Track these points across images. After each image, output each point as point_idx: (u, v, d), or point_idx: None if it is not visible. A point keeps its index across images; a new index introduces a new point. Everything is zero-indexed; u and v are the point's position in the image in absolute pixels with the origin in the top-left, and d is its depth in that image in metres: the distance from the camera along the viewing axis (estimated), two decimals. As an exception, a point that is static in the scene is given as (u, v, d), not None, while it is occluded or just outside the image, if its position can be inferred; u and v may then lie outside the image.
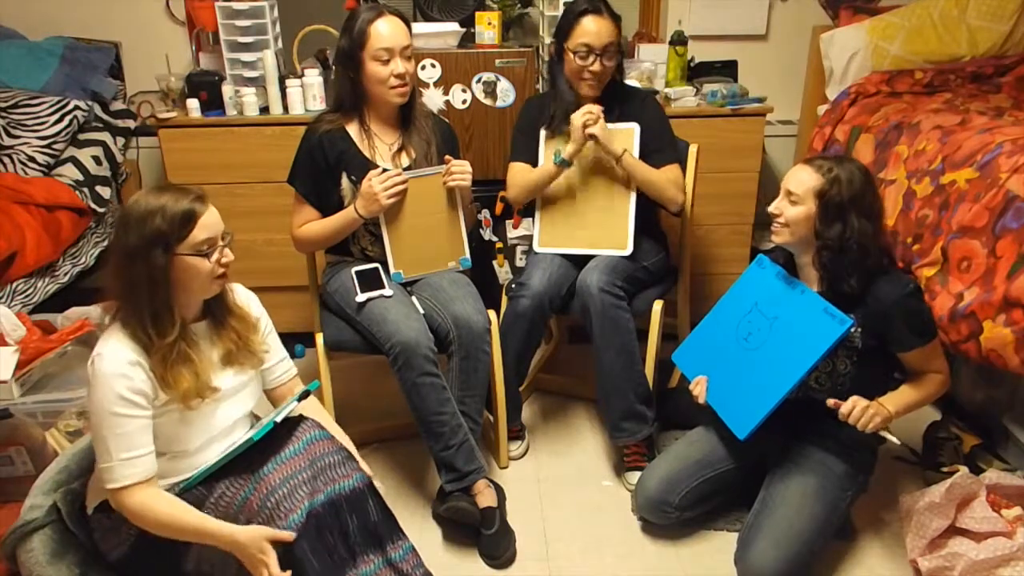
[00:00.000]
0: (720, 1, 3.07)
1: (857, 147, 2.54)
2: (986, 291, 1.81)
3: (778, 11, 3.13)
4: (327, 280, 2.12)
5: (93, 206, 2.70)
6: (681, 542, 1.92)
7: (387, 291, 1.98)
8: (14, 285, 2.39)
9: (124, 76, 3.05)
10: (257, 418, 1.64)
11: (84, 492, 1.55)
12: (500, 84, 2.54)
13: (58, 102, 2.70)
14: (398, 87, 1.95)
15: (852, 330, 1.64)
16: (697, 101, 2.69)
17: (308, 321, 2.23)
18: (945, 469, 2.05)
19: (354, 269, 2.01)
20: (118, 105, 2.97)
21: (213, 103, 2.56)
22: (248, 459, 1.45)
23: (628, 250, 2.14)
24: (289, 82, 2.54)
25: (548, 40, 2.26)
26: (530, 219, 2.42)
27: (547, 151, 2.17)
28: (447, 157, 2.01)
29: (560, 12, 2.21)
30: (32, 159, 2.64)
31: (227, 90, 2.55)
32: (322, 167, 2.02)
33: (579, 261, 2.17)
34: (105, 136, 2.84)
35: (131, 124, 2.99)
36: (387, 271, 2.04)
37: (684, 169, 2.28)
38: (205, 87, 2.55)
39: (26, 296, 2.42)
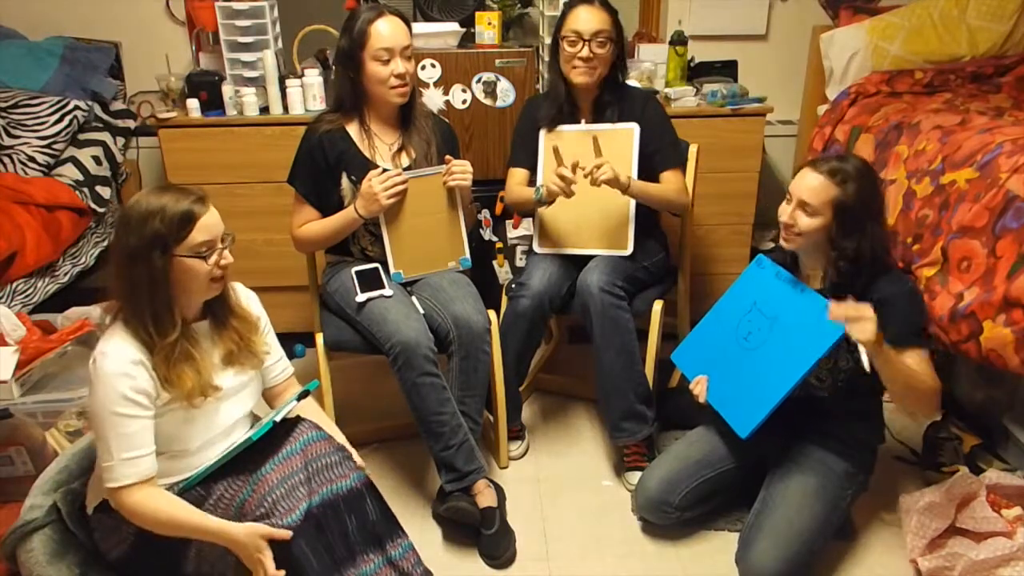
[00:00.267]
0: (720, 1, 3.07)
1: (857, 147, 2.54)
2: (986, 291, 1.81)
3: (778, 11, 3.13)
4: (327, 280, 2.12)
5: (93, 206, 2.70)
6: (681, 542, 1.92)
7: (387, 291, 1.98)
8: (14, 285, 2.39)
9: (124, 76, 3.05)
10: (257, 418, 1.64)
11: (84, 492, 1.55)
12: (500, 84, 2.54)
13: (58, 102, 2.70)
14: (398, 87, 1.95)
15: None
16: (697, 101, 2.69)
17: (308, 321, 2.23)
18: (945, 469, 2.05)
19: (354, 269, 2.01)
20: (118, 105, 2.97)
21: (213, 103, 2.56)
22: (246, 460, 1.46)
23: (628, 250, 2.14)
24: (289, 82, 2.54)
25: (548, 40, 2.27)
26: (530, 219, 2.42)
27: (547, 152, 2.17)
28: (447, 157, 2.01)
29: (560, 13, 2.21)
30: (32, 159, 2.64)
31: (227, 90, 2.55)
32: (322, 167, 2.02)
33: (579, 261, 2.17)
34: (105, 136, 2.84)
35: (131, 124, 2.99)
36: (387, 271, 2.04)
37: (685, 169, 2.28)
38: (205, 87, 2.55)
39: (26, 296, 2.42)
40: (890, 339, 1.57)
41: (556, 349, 2.83)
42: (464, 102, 2.56)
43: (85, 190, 2.68)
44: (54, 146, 2.69)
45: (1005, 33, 2.78)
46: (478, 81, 2.53)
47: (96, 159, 2.76)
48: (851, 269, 1.64)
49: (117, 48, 3.00)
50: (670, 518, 1.88)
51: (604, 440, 2.31)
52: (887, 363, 1.56)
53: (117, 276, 1.40)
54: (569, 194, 2.00)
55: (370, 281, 2.00)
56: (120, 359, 1.36)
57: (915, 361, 1.62)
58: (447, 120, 2.25)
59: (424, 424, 1.90)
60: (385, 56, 1.91)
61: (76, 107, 2.72)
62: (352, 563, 1.44)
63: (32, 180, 2.58)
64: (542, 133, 2.20)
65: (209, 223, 1.41)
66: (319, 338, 2.09)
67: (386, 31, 1.91)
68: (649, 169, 2.16)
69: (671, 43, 2.71)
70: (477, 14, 2.61)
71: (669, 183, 2.18)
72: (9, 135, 2.65)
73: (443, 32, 2.55)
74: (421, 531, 1.95)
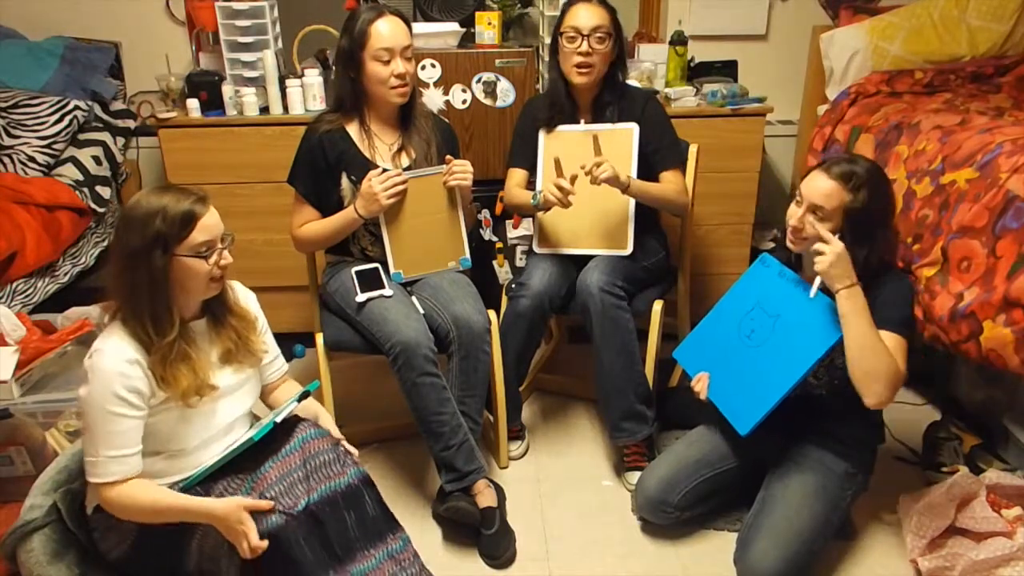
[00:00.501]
0: (720, 1, 3.07)
1: (857, 147, 2.54)
2: (986, 291, 1.81)
3: (778, 11, 3.13)
4: (327, 280, 2.12)
5: (93, 206, 2.70)
6: (681, 542, 1.92)
7: (387, 291, 1.98)
8: (14, 285, 2.39)
9: (124, 76, 3.05)
10: (257, 417, 1.65)
11: (84, 492, 1.55)
12: (500, 84, 2.54)
13: (58, 102, 2.70)
14: (398, 87, 1.95)
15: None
16: (697, 101, 2.69)
17: (308, 321, 2.23)
18: (945, 469, 2.05)
19: (354, 269, 2.01)
20: (118, 105, 2.97)
21: (213, 103, 2.56)
22: (245, 459, 1.46)
23: (628, 250, 2.14)
24: (289, 82, 2.54)
25: (548, 40, 2.27)
26: (530, 219, 2.42)
27: (547, 160, 2.17)
28: (448, 157, 2.01)
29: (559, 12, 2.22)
30: (32, 159, 2.64)
31: (227, 90, 2.55)
32: (322, 167, 2.02)
33: (579, 261, 2.17)
34: (105, 136, 2.84)
35: (131, 124, 2.99)
36: (387, 271, 2.04)
37: (685, 169, 2.28)
38: (205, 87, 2.55)
39: (26, 296, 2.42)
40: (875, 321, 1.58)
41: (556, 349, 2.83)
42: (464, 102, 2.56)
43: (85, 190, 2.68)
44: (54, 146, 2.69)
45: (1005, 33, 2.78)
46: (478, 81, 2.53)
47: (96, 159, 2.76)
48: (857, 273, 1.63)
49: (117, 48, 2.99)
50: (670, 518, 1.88)
51: (604, 440, 2.31)
52: (855, 312, 1.55)
53: (117, 275, 1.40)
54: (566, 205, 2.00)
55: (370, 281, 2.00)
56: (116, 357, 1.37)
57: (891, 343, 1.60)
58: (447, 120, 2.25)
59: (424, 424, 1.90)
60: (385, 56, 1.91)
61: (76, 107, 2.72)
62: (351, 559, 1.45)
63: (32, 180, 2.58)
64: (541, 134, 2.20)
65: (210, 223, 1.41)
66: (319, 338, 2.09)
67: (386, 31, 1.91)
68: (649, 169, 2.16)
69: (671, 43, 2.71)
70: (477, 14, 2.61)
71: (669, 183, 2.18)
72: (9, 135, 2.65)
73: (443, 32, 2.55)
74: (421, 531, 1.95)
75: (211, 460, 1.47)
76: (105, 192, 2.77)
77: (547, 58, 2.30)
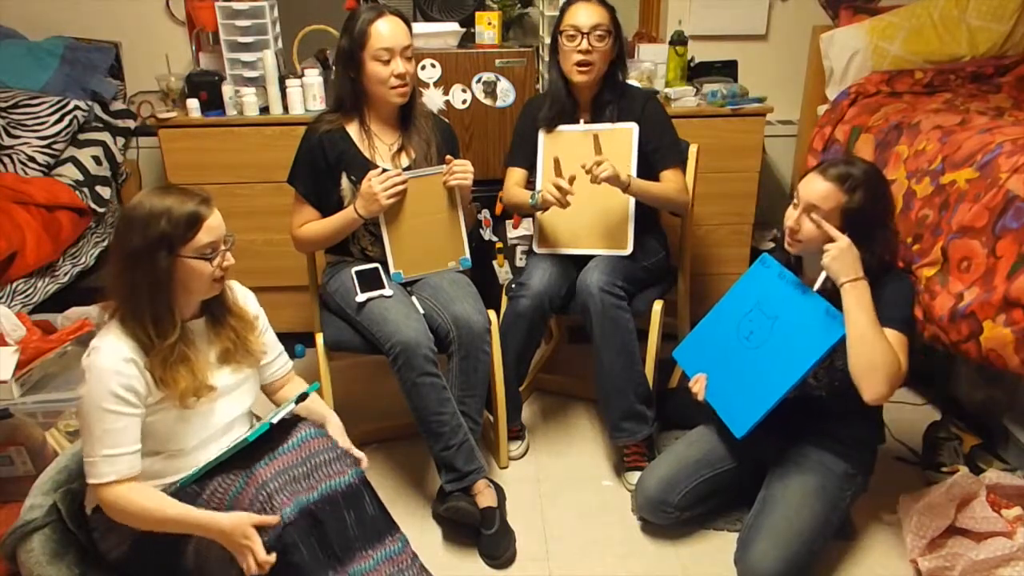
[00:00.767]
0: (720, 1, 3.07)
1: (857, 147, 2.54)
2: (986, 291, 1.81)
3: (778, 11, 3.13)
4: (327, 280, 2.12)
5: (93, 206, 2.70)
6: (681, 542, 1.92)
7: (387, 291, 1.98)
8: (14, 285, 2.39)
9: (124, 76, 3.05)
10: (257, 418, 1.65)
11: (84, 492, 1.55)
12: (500, 84, 2.54)
13: (58, 102, 2.70)
14: (398, 87, 1.95)
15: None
16: (697, 101, 2.69)
17: (308, 321, 2.23)
18: (945, 469, 2.05)
19: (354, 269, 2.01)
20: (118, 105, 2.97)
21: (213, 103, 2.56)
22: (240, 456, 1.45)
23: (628, 250, 2.14)
24: (289, 82, 2.54)
25: (548, 40, 2.27)
26: (530, 219, 2.42)
27: (547, 160, 2.17)
28: (448, 157, 2.01)
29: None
30: (32, 159, 2.64)
31: (227, 90, 2.55)
32: (322, 167, 2.02)
33: (579, 261, 2.17)
34: (105, 136, 2.84)
35: (131, 124, 2.99)
36: (387, 271, 2.04)
37: (685, 168, 2.28)
38: (205, 87, 2.55)
39: (26, 296, 2.42)
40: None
41: (556, 349, 2.83)
42: (464, 102, 2.56)
43: (85, 190, 2.68)
44: (54, 146, 2.69)
45: (1005, 33, 2.78)
46: (478, 81, 2.53)
47: (96, 159, 2.76)
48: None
49: (117, 48, 2.99)
50: (670, 518, 1.88)
51: (604, 440, 2.31)
52: (858, 306, 1.55)
53: (117, 276, 1.40)
54: (564, 205, 2.00)
55: (370, 281, 2.00)
56: (112, 355, 1.37)
57: (892, 340, 1.60)
58: (447, 120, 2.25)
59: (424, 424, 1.90)
60: (385, 56, 1.91)
61: (76, 107, 2.72)
62: (350, 559, 1.44)
63: (32, 180, 2.58)
64: (541, 133, 2.20)
65: (214, 225, 1.41)
66: (319, 338, 2.09)
67: (386, 31, 1.91)
68: (649, 168, 2.16)
69: (671, 43, 2.71)
70: (477, 14, 2.61)
71: (669, 182, 2.18)
72: (9, 135, 2.65)
73: (443, 32, 2.55)
74: (421, 531, 1.95)
75: (206, 460, 1.47)
76: (105, 192, 2.77)
77: (547, 58, 2.30)
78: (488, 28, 2.60)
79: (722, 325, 1.87)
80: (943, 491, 1.78)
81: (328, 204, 2.04)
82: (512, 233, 2.62)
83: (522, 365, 2.23)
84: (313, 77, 2.56)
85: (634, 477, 2.06)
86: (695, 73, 2.85)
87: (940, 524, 1.76)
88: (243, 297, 1.62)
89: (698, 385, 1.85)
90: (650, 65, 2.73)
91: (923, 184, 2.12)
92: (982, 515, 1.74)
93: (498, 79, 2.53)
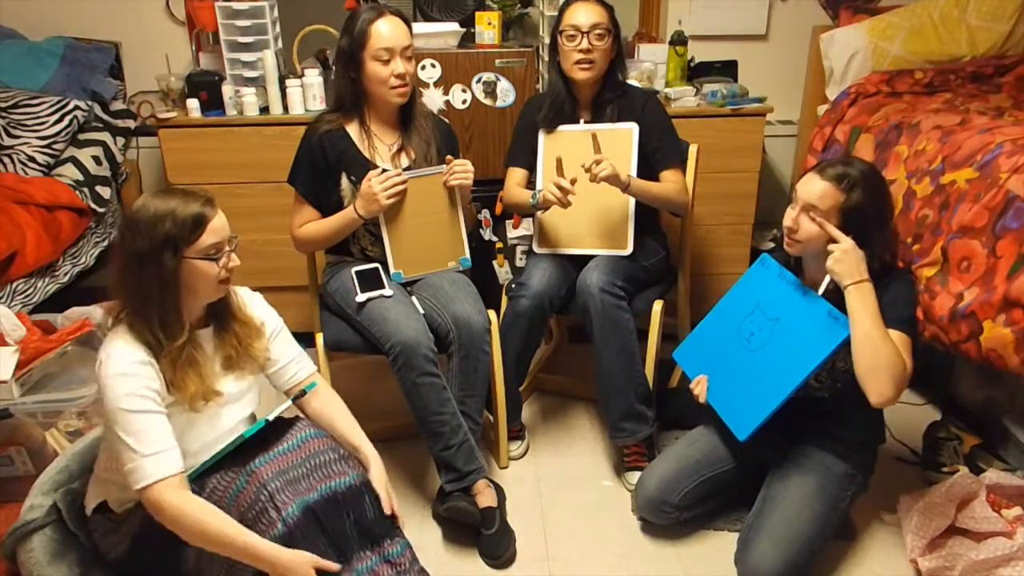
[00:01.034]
0: (720, 1, 3.07)
1: (857, 147, 2.54)
2: (986, 291, 1.81)
3: (778, 11, 3.13)
4: (327, 280, 2.13)
5: (93, 206, 2.70)
6: (681, 542, 1.92)
7: (387, 291, 1.98)
8: (14, 285, 2.39)
9: (124, 76, 3.05)
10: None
11: (84, 492, 1.55)
12: (500, 84, 2.54)
13: (58, 102, 2.70)
14: (398, 87, 1.95)
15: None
16: (697, 101, 2.69)
17: (308, 321, 2.23)
18: (945, 469, 2.05)
19: (354, 269, 2.01)
20: (118, 105, 2.97)
21: (213, 103, 2.56)
22: (239, 455, 1.45)
23: (628, 250, 2.14)
24: (289, 82, 2.54)
25: (548, 40, 2.27)
26: (530, 219, 2.42)
27: (548, 159, 2.17)
28: (448, 157, 2.01)
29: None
30: (32, 159, 2.64)
31: (227, 90, 2.55)
32: (322, 167, 2.02)
33: (579, 261, 2.17)
34: (105, 136, 2.84)
35: (131, 124, 2.99)
36: (387, 271, 2.04)
37: (685, 168, 2.28)
38: (205, 87, 2.55)
39: (26, 296, 2.42)
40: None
41: (556, 349, 2.83)
42: (464, 102, 2.56)
43: (85, 190, 2.68)
44: (54, 146, 2.69)
45: (1005, 33, 2.78)
46: (478, 81, 2.53)
47: (96, 159, 2.76)
48: None
49: (117, 48, 3.00)
50: (670, 518, 1.88)
51: (604, 440, 2.31)
52: (863, 308, 1.55)
53: (123, 280, 1.39)
54: (565, 205, 2.00)
55: (370, 281, 2.00)
56: (127, 360, 1.36)
57: (896, 341, 1.59)
58: (447, 120, 2.25)
59: (424, 424, 1.90)
60: (385, 56, 1.91)
61: (76, 107, 2.72)
62: (349, 560, 1.44)
63: (32, 180, 2.58)
64: (541, 133, 2.20)
65: (218, 225, 1.41)
66: (319, 338, 2.09)
67: (386, 31, 1.91)
68: (649, 168, 2.16)
69: (671, 43, 2.71)
70: (477, 14, 2.61)
71: (669, 182, 2.18)
72: (9, 135, 2.65)
73: (443, 32, 2.55)
74: (421, 531, 1.95)
75: (204, 457, 1.47)
76: (105, 192, 2.77)
77: (547, 58, 2.30)
78: (488, 28, 2.60)
79: (722, 326, 1.87)
80: (943, 491, 1.78)
81: (328, 204, 2.04)
82: (512, 233, 2.62)
83: (522, 365, 2.23)
84: (313, 77, 2.56)
85: (634, 477, 2.06)
86: (695, 73, 2.85)
87: (940, 524, 1.76)
88: (249, 302, 1.61)
89: (699, 387, 1.84)
90: (650, 65, 2.73)
91: (923, 184, 2.12)
92: (982, 515, 1.73)
93: (498, 79, 2.53)
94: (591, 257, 2.14)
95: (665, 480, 1.87)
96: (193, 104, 2.54)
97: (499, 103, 2.56)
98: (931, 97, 2.65)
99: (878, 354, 1.55)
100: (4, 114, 2.66)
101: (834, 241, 1.60)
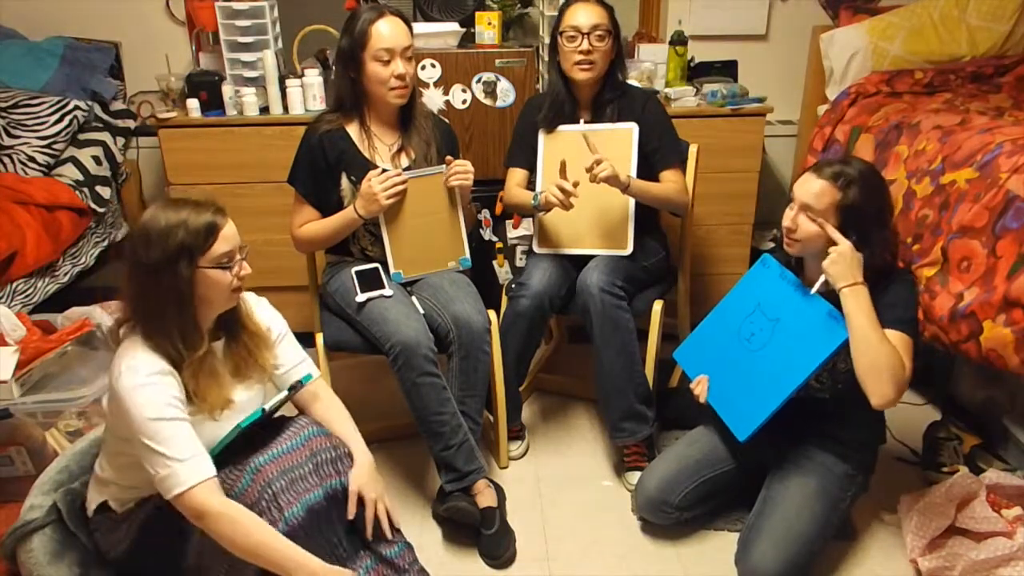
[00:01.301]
0: (720, 1, 3.07)
1: (857, 147, 2.54)
2: (986, 291, 1.81)
3: (778, 11, 3.13)
4: (327, 280, 2.12)
5: (93, 206, 2.70)
6: (681, 542, 1.92)
7: (387, 291, 1.98)
8: (14, 285, 2.39)
9: (124, 76, 3.05)
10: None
11: (84, 492, 1.55)
12: (500, 84, 2.54)
13: (58, 102, 2.70)
14: (397, 88, 1.95)
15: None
16: (697, 101, 2.69)
17: (308, 321, 2.23)
18: (945, 469, 2.05)
19: (354, 269, 2.01)
20: (118, 105, 2.97)
21: (213, 103, 2.56)
22: (242, 452, 1.45)
23: (628, 250, 2.14)
24: (289, 82, 2.54)
25: (548, 40, 2.27)
26: (530, 219, 2.42)
27: (546, 153, 2.18)
28: (448, 157, 2.01)
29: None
30: (32, 159, 2.64)
31: (227, 90, 2.55)
32: (322, 167, 2.02)
33: (579, 261, 2.17)
34: (105, 136, 2.84)
35: (131, 124, 2.99)
36: (387, 271, 2.04)
37: (685, 168, 2.28)
38: (205, 87, 2.55)
39: (26, 296, 2.42)
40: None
41: (556, 349, 2.83)
42: (464, 102, 2.56)
43: (85, 190, 2.68)
44: (54, 146, 2.69)
45: (1005, 33, 2.78)
46: (478, 81, 2.53)
47: (96, 159, 2.77)
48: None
49: (117, 48, 3.00)
50: (670, 518, 1.88)
51: (604, 440, 2.31)
52: (858, 310, 1.55)
53: (139, 293, 1.38)
54: (567, 207, 2.00)
55: (370, 281, 2.00)
56: (147, 370, 1.35)
57: (896, 342, 1.59)
58: (447, 120, 2.25)
59: (424, 424, 1.90)
60: (386, 57, 1.91)
61: (76, 107, 2.72)
62: (352, 559, 1.45)
63: (32, 180, 2.58)
64: (541, 134, 2.20)
65: (229, 233, 1.41)
66: (319, 338, 2.09)
67: (387, 32, 1.91)
68: (649, 168, 2.16)
69: (671, 43, 2.71)
70: (477, 14, 2.61)
71: (669, 182, 2.18)
72: (9, 135, 2.65)
73: (443, 32, 2.55)
74: (421, 531, 1.95)
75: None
76: (105, 192, 2.77)
77: (547, 58, 2.30)
78: (488, 28, 2.60)
79: (723, 327, 1.87)
80: (943, 491, 1.78)
81: (328, 204, 2.04)
82: (512, 233, 2.62)
83: (522, 365, 2.23)
84: (313, 77, 2.56)
85: (634, 477, 2.06)
86: (695, 73, 2.85)
87: (940, 524, 1.76)
88: (256, 307, 1.60)
89: (700, 387, 1.84)
90: (650, 65, 2.73)
91: (923, 184, 2.12)
92: (982, 515, 1.73)
93: (498, 79, 2.53)
94: (591, 257, 2.14)
95: (665, 480, 1.87)
96: (193, 104, 2.54)
97: (499, 103, 2.56)
98: (931, 97, 2.65)
99: (876, 356, 1.55)
100: (4, 114, 2.66)
101: (832, 242, 1.60)
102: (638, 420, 2.09)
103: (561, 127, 2.18)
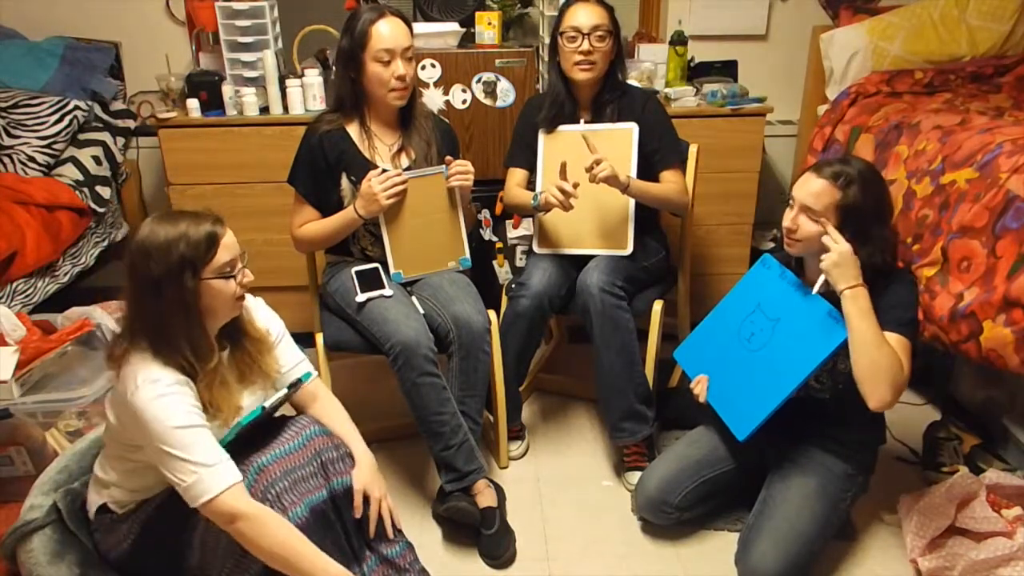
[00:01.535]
0: (720, 1, 3.07)
1: (857, 147, 2.54)
2: (986, 291, 1.81)
3: (778, 11, 3.13)
4: (327, 280, 2.13)
5: (93, 206, 2.70)
6: (681, 542, 1.92)
7: (387, 291, 1.98)
8: (14, 285, 2.39)
9: (124, 76, 3.05)
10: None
11: (84, 492, 1.55)
12: (500, 84, 2.54)
13: (58, 102, 2.70)
14: (397, 89, 1.95)
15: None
16: (697, 101, 2.69)
17: (308, 321, 2.23)
18: (945, 469, 2.05)
19: (354, 269, 2.01)
20: (118, 105, 2.97)
21: (213, 103, 2.56)
22: (245, 452, 1.45)
23: (628, 250, 2.14)
24: (289, 82, 2.54)
25: (548, 40, 2.27)
26: (530, 219, 2.42)
27: (546, 153, 2.18)
28: (448, 158, 2.01)
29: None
30: (32, 159, 2.64)
31: (227, 90, 2.55)
32: (322, 167, 2.02)
33: (579, 261, 2.17)
34: (105, 136, 2.84)
35: (131, 124, 2.99)
36: (387, 271, 2.04)
37: (685, 168, 2.28)
38: (205, 87, 2.55)
39: (26, 296, 2.42)
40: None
41: (556, 349, 2.83)
42: (464, 102, 2.56)
43: (85, 190, 2.68)
44: (54, 146, 2.69)
45: (1005, 33, 2.78)
46: (478, 81, 2.53)
47: (96, 159, 2.77)
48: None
49: (117, 48, 3.00)
50: (670, 518, 1.88)
51: (604, 440, 2.31)
52: (858, 312, 1.54)
53: (144, 309, 1.36)
54: (567, 208, 2.00)
55: (370, 281, 2.00)
56: (167, 380, 1.34)
57: (895, 344, 1.58)
58: (447, 120, 2.25)
59: (424, 424, 1.90)
60: (386, 57, 1.91)
61: (76, 107, 2.72)
62: (355, 558, 1.45)
63: (32, 180, 2.58)
64: (541, 134, 2.20)
65: (229, 242, 1.40)
66: (319, 338, 2.09)
67: (387, 32, 1.91)
68: (649, 168, 2.16)
69: (671, 43, 2.71)
70: (477, 14, 2.61)
71: (669, 182, 2.18)
72: (9, 135, 2.65)
73: (443, 32, 2.55)
74: (421, 531, 1.95)
75: None
76: (105, 192, 2.77)
77: (547, 58, 2.30)
78: (488, 28, 2.60)
79: (723, 326, 1.87)
80: (943, 491, 1.78)
81: (328, 204, 2.04)
82: (512, 233, 2.62)
83: (522, 365, 2.23)
84: (313, 77, 2.56)
85: (634, 477, 2.06)
86: (695, 73, 2.85)
87: (940, 524, 1.76)
88: (255, 311, 1.60)
89: (699, 387, 1.84)
90: (650, 65, 2.73)
91: (923, 184, 2.12)
92: (982, 515, 1.73)
93: (498, 79, 2.53)
94: (591, 257, 2.14)
95: (665, 480, 1.87)
96: (193, 104, 2.54)
97: (499, 103, 2.56)
98: (931, 97, 2.65)
99: (875, 358, 1.55)
100: (4, 114, 2.66)
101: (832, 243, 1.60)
102: (638, 420, 2.09)
103: (561, 127, 2.18)
